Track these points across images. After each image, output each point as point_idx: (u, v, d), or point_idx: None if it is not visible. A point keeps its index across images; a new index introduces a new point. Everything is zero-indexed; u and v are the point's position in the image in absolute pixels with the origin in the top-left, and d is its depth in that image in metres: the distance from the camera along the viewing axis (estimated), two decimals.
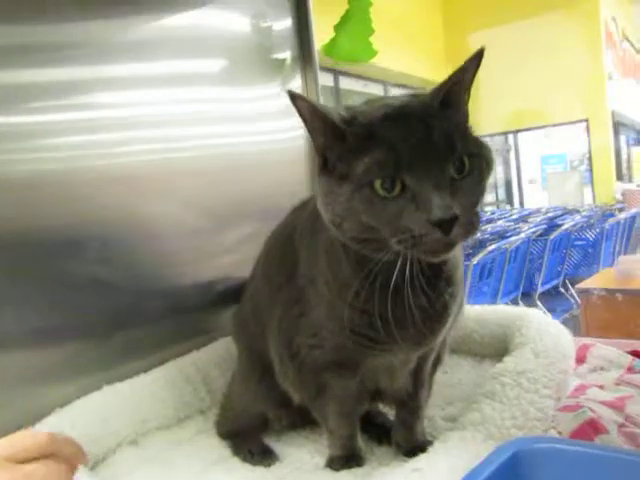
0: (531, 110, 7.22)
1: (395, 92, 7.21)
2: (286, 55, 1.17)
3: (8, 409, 0.73)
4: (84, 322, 0.83)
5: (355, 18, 1.13)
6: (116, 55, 0.90)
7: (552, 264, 4.50)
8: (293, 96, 0.48)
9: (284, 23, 1.16)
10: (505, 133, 8.31)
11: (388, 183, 0.46)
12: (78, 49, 0.85)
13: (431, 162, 0.46)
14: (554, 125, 7.83)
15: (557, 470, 0.44)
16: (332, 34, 1.15)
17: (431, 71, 7.21)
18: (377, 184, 0.46)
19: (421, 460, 0.54)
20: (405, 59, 6.49)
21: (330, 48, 1.14)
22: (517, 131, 8.18)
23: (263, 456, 0.71)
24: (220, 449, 0.77)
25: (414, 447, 0.65)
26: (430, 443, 0.62)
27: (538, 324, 0.84)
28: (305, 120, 0.50)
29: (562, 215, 5.46)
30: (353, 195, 0.47)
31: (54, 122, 0.84)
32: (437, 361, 0.69)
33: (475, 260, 3.73)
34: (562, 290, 4.67)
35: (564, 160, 8.39)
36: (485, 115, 7.49)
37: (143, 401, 0.82)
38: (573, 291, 4.48)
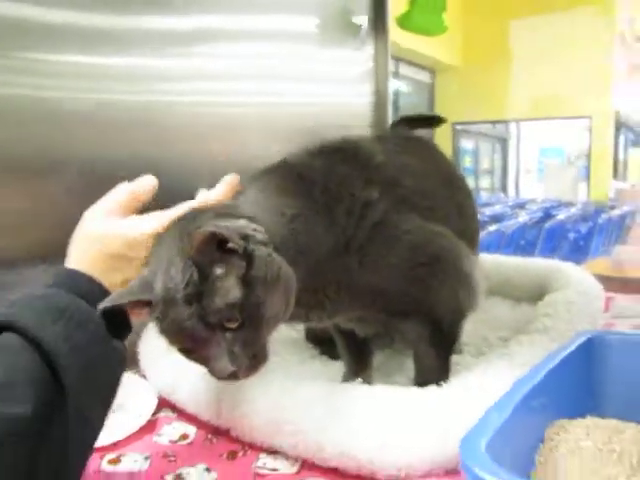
0: (536, 102, 7.36)
1: (405, 70, 7.31)
2: (362, 21, 1.31)
3: None
4: None
5: None
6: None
7: (544, 252, 4.69)
8: None
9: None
10: (507, 122, 8.46)
11: None
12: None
13: None
14: (557, 118, 7.98)
15: (623, 352, 0.59)
16: (406, 8, 1.28)
17: (444, 52, 7.31)
18: None
19: (507, 347, 0.70)
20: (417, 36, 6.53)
21: (404, 21, 1.27)
22: (519, 120, 8.33)
23: None
24: (310, 349, 0.92)
25: None
26: None
27: (575, 272, 1.00)
28: None
29: (557, 206, 5.65)
30: None
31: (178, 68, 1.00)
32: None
33: None
34: None
35: (562, 154, 8.58)
36: (492, 103, 7.63)
37: None
38: None
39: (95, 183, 0.87)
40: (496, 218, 4.72)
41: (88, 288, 0.49)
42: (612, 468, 0.42)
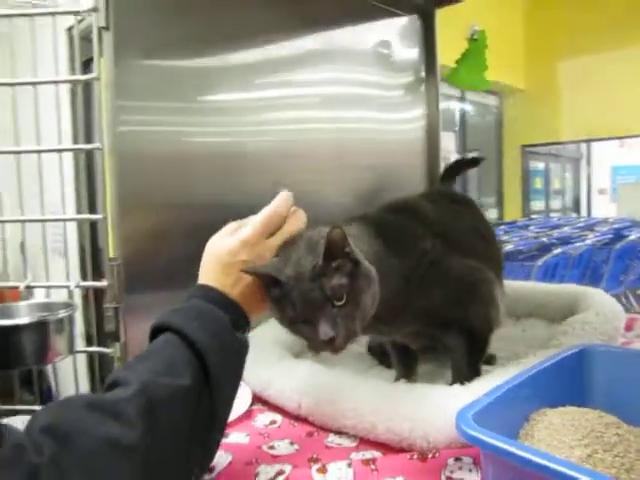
0: (608, 121, 7.27)
1: (471, 95, 7.42)
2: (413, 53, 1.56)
3: None
4: None
5: (474, 55, 1.46)
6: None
7: (615, 273, 4.67)
8: None
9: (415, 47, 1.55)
10: (578, 142, 8.37)
11: None
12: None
13: None
14: (629, 137, 7.84)
15: (612, 364, 0.76)
16: (454, 67, 1.49)
17: (509, 76, 7.38)
18: None
19: (525, 358, 0.88)
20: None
21: (452, 77, 1.48)
22: (589, 140, 8.23)
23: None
24: (370, 360, 1.13)
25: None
26: None
27: (600, 296, 1.16)
28: None
29: (630, 227, 5.58)
30: None
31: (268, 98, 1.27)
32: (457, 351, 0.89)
33: (539, 262, 3.99)
34: (623, 299, 4.82)
35: (638, 172, 8.38)
36: (560, 124, 7.60)
37: None
38: (633, 301, 4.67)
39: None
40: (563, 240, 4.76)
41: (213, 295, 0.69)
42: (569, 435, 0.60)
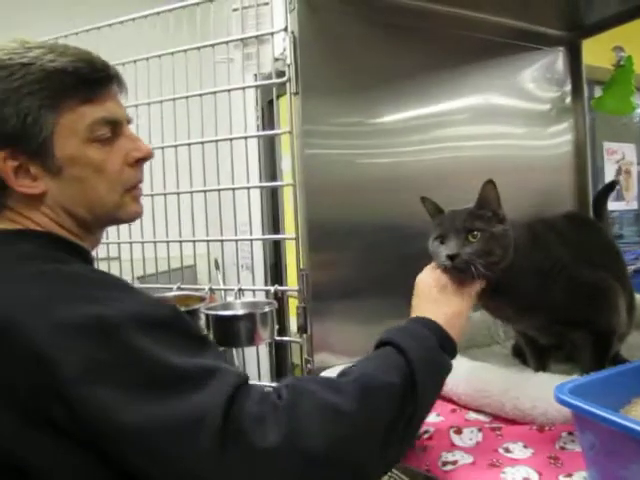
0: None
1: None
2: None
3: (361, 338, 1.01)
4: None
5: (620, 82, 1.55)
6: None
7: None
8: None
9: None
10: None
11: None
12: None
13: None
14: None
15: None
16: (601, 94, 1.58)
17: None
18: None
19: None
20: None
21: (599, 104, 1.57)
22: None
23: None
24: (513, 360, 1.29)
25: None
26: None
27: None
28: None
29: None
30: None
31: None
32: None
33: None
34: None
35: None
36: None
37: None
38: None
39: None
40: None
41: (426, 322, 0.83)
42: None
